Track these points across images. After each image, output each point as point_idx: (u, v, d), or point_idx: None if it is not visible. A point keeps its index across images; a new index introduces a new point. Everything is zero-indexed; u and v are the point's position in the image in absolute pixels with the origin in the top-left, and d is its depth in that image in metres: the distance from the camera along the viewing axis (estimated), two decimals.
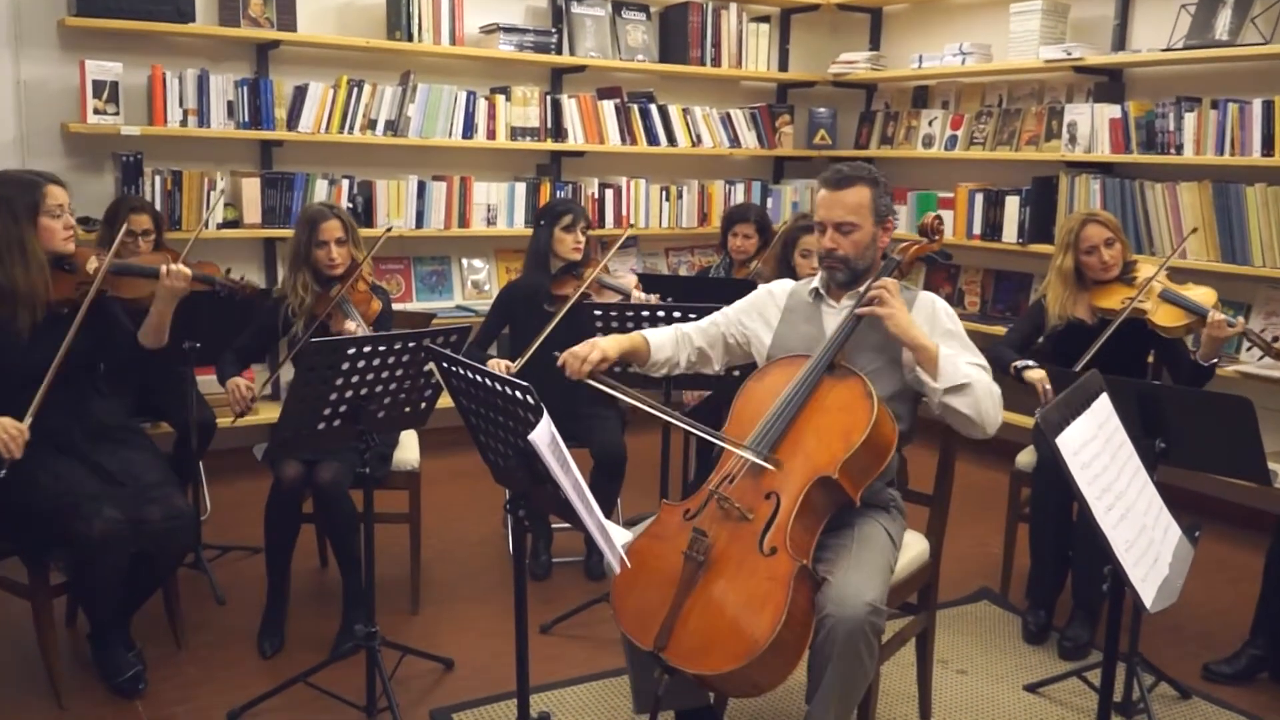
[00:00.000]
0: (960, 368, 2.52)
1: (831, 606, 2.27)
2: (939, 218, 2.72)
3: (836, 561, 2.41)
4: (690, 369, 2.85)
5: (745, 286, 4.23)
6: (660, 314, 3.44)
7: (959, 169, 5.78)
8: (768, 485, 2.40)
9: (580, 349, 2.58)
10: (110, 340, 3.13)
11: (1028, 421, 4.66)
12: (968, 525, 4.45)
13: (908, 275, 2.71)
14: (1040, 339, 3.69)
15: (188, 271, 3.12)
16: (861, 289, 2.63)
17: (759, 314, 2.82)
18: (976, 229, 5.38)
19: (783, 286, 2.85)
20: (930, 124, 5.78)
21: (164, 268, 3.09)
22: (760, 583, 2.27)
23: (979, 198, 5.38)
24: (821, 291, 2.73)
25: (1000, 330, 5.11)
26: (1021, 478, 3.73)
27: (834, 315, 2.69)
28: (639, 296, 3.97)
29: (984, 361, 2.62)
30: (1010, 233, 5.24)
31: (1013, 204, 5.24)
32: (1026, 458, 3.78)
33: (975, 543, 4.33)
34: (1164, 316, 3.58)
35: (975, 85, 5.72)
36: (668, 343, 2.78)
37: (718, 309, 2.89)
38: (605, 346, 2.62)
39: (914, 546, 2.76)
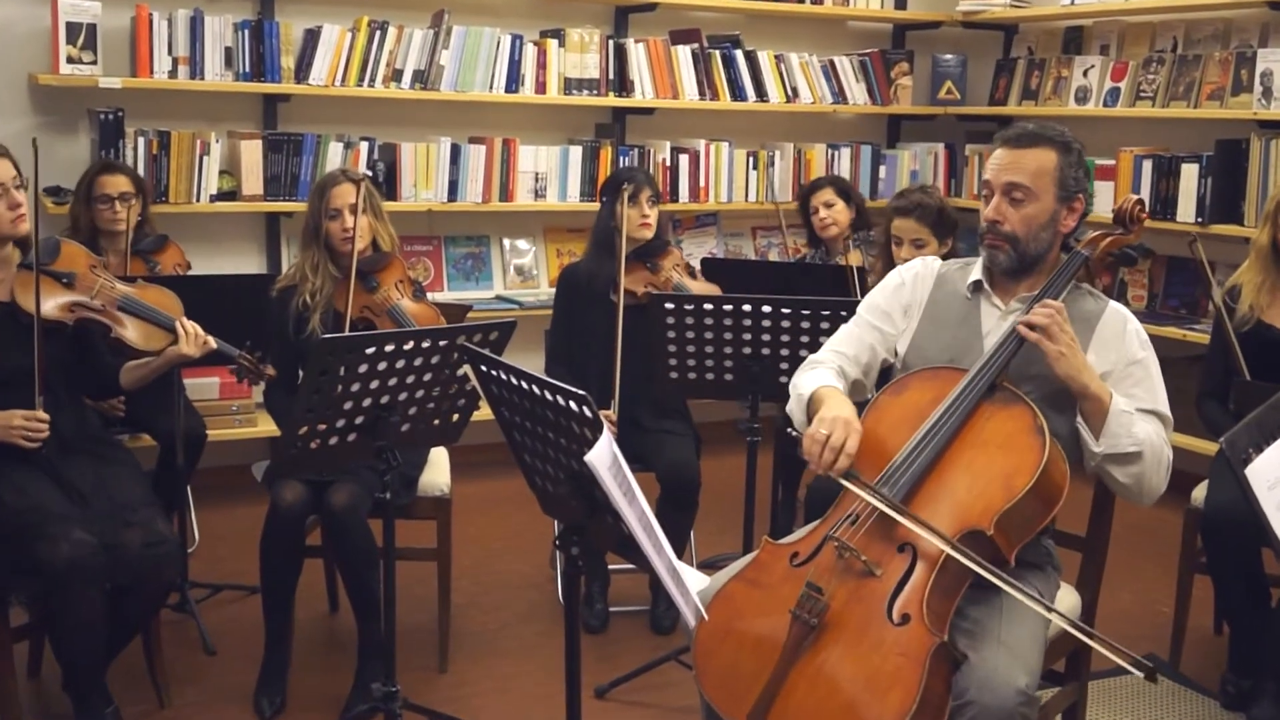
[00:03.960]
0: (1134, 430, 2.45)
1: (975, 692, 2.23)
2: (1141, 203, 2.63)
3: (980, 635, 2.36)
4: None
5: (833, 272, 4.23)
6: (746, 308, 3.44)
7: (1122, 130, 5.68)
8: (903, 535, 2.34)
9: (827, 432, 2.38)
10: (86, 366, 3.23)
11: (1206, 448, 4.57)
12: (1130, 576, 4.38)
13: (1097, 275, 2.65)
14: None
15: (213, 344, 3.20)
16: (1037, 292, 2.55)
17: (900, 309, 2.72)
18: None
19: (929, 267, 2.75)
20: (1085, 74, 5.70)
21: (181, 328, 3.16)
22: (888, 658, 2.23)
23: (1147, 166, 5.29)
24: (985, 284, 2.65)
25: (1172, 333, 5.03)
26: (1199, 518, 3.66)
27: (996, 318, 2.62)
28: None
29: (1166, 410, 2.55)
30: (1187, 209, 5.14)
31: (1190, 173, 5.14)
32: (1205, 493, 3.70)
33: (1139, 598, 4.26)
34: None
35: (1143, 26, 5.62)
36: (845, 391, 2.62)
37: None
38: (854, 422, 2.41)
39: (1063, 601, 2.71)
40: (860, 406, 2.57)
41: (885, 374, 2.77)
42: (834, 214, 4.60)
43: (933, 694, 2.20)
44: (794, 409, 2.65)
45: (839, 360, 2.69)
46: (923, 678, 2.17)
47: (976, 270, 2.67)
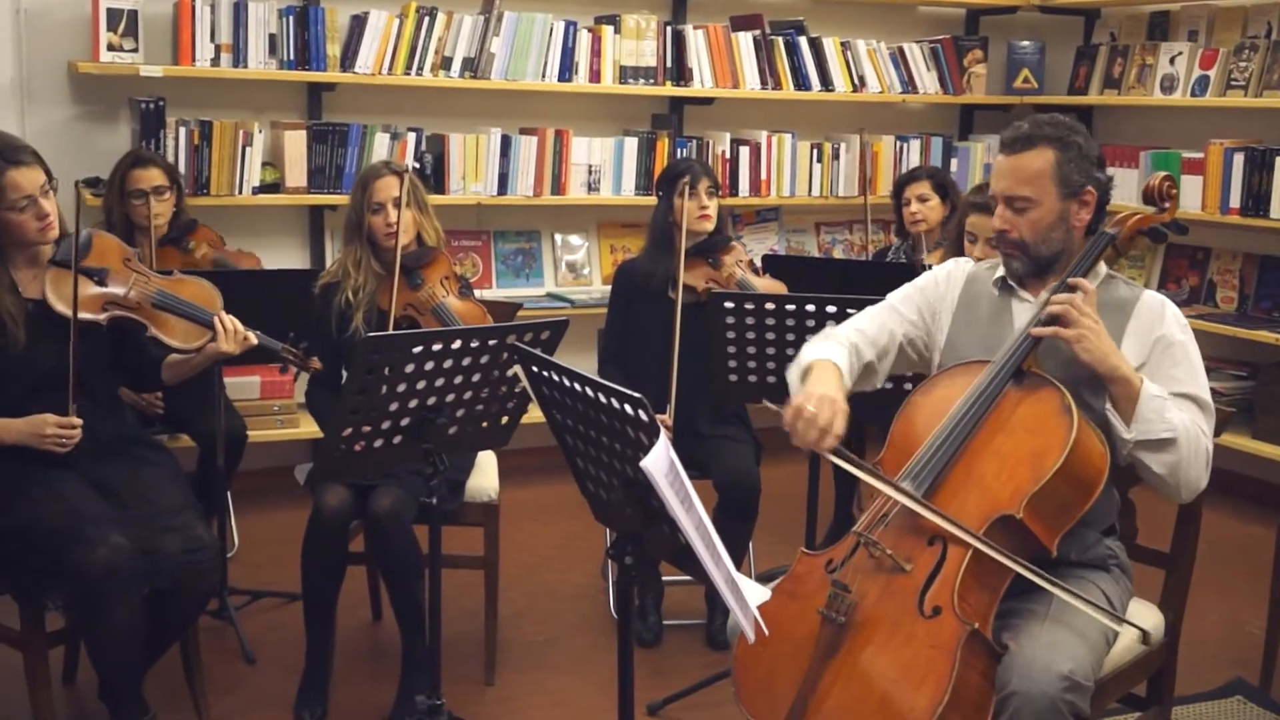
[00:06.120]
0: (1166, 414, 2.46)
1: (1016, 681, 2.28)
2: (1170, 179, 2.67)
3: (1025, 627, 2.41)
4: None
5: (900, 271, 4.21)
6: (810, 308, 3.43)
7: (1211, 121, 5.61)
8: (932, 528, 2.41)
9: (814, 410, 2.46)
10: (127, 362, 3.27)
11: None
12: (1216, 595, 4.33)
13: (1125, 255, 2.67)
14: None
15: (253, 339, 3.21)
16: (1060, 279, 2.58)
17: (931, 306, 2.80)
18: (1234, 200, 5.22)
19: (960, 268, 2.82)
20: (1172, 61, 5.63)
21: (220, 324, 3.16)
22: (919, 651, 2.29)
23: (1238, 159, 5.22)
24: (1011, 282, 2.70)
25: (1264, 337, 4.96)
26: None
27: (1028, 311, 2.65)
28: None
29: (1206, 396, 2.55)
30: None
31: None
32: None
33: (1226, 618, 4.21)
34: None
35: (1234, 10, 5.54)
36: (849, 370, 2.69)
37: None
38: (840, 402, 2.50)
39: (1143, 621, 2.68)
40: (871, 397, 2.68)
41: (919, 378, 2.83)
42: (926, 209, 4.56)
43: (968, 686, 2.25)
44: (791, 374, 2.71)
45: (856, 337, 2.75)
46: (954, 668, 2.23)
47: (1001, 269, 2.72)
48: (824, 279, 4.24)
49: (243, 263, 4.34)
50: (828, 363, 2.65)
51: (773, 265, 4.36)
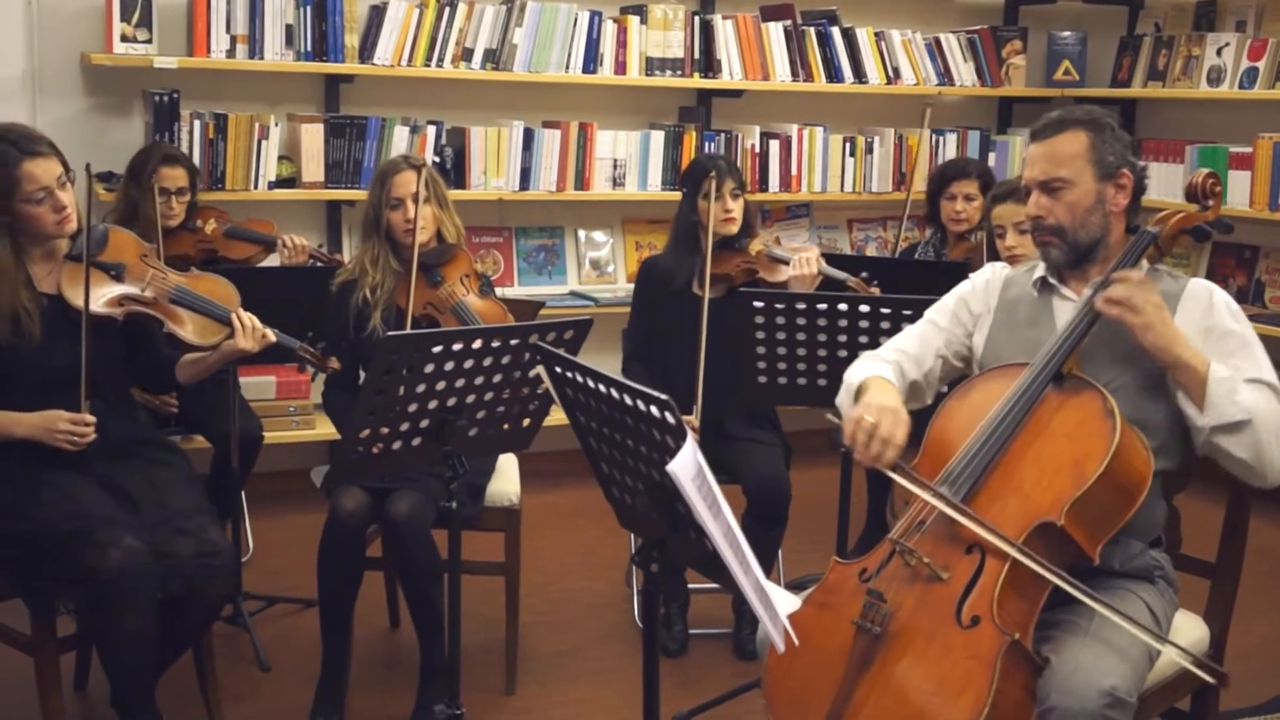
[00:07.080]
0: (1238, 396, 2.45)
1: (1055, 696, 2.28)
2: (1214, 176, 2.66)
3: (1066, 639, 2.41)
4: None
5: (956, 271, 4.20)
6: (842, 307, 3.41)
7: (1260, 114, 5.58)
8: (969, 535, 2.41)
9: (874, 420, 2.47)
10: (142, 361, 3.29)
11: None
12: (1264, 607, 4.31)
13: (1167, 254, 2.67)
14: None
15: (271, 337, 3.22)
16: (1104, 275, 2.58)
17: (973, 313, 2.80)
18: None
19: (997, 273, 2.83)
20: (1219, 53, 5.60)
21: (238, 320, 3.18)
22: (957, 663, 2.29)
23: None
24: (1051, 280, 2.69)
25: None
26: None
27: (1070, 311, 2.64)
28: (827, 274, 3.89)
29: (1273, 378, 2.55)
30: None
31: None
32: None
33: (1274, 631, 4.20)
34: None
35: None
36: (899, 386, 2.71)
37: (920, 302, 2.87)
38: (901, 412, 2.52)
39: (1187, 633, 2.69)
40: (919, 414, 2.64)
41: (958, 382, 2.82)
42: (972, 209, 4.50)
43: (1008, 700, 2.25)
44: (843, 400, 2.73)
45: (899, 357, 2.77)
46: (994, 680, 2.23)
47: (1041, 267, 2.72)
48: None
49: (258, 229, 4.37)
50: (879, 377, 2.67)
51: None
